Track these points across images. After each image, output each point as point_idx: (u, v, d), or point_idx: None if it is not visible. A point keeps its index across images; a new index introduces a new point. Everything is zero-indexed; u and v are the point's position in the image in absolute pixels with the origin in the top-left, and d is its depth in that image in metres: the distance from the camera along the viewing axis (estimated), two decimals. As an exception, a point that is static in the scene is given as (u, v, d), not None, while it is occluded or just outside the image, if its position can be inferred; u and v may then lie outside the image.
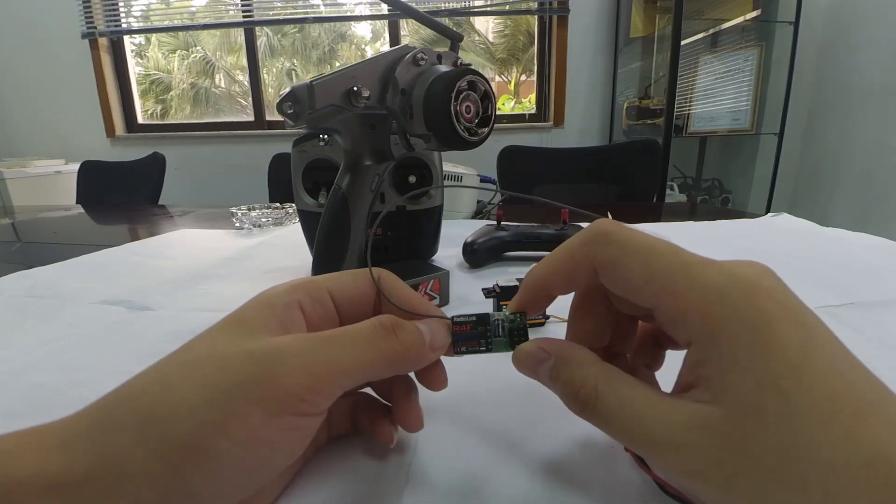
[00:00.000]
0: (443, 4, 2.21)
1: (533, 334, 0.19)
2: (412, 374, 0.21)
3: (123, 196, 1.50)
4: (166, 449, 0.13)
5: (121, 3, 2.26)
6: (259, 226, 0.73)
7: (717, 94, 1.82)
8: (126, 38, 2.35)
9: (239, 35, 2.53)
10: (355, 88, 0.28)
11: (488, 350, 0.19)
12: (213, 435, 0.13)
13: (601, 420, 0.15)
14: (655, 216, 0.88)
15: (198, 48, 3.37)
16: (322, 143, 0.45)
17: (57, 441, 0.13)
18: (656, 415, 0.14)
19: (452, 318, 0.19)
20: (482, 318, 0.19)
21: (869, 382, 0.13)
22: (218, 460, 0.13)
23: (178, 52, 3.35)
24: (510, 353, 0.19)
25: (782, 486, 0.12)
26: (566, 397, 0.17)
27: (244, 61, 2.42)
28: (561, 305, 0.20)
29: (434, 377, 0.20)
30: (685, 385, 0.15)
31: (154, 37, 2.97)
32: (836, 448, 0.12)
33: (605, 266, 0.16)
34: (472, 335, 0.19)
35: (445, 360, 0.20)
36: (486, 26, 3.43)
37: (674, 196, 1.91)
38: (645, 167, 1.23)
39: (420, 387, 0.20)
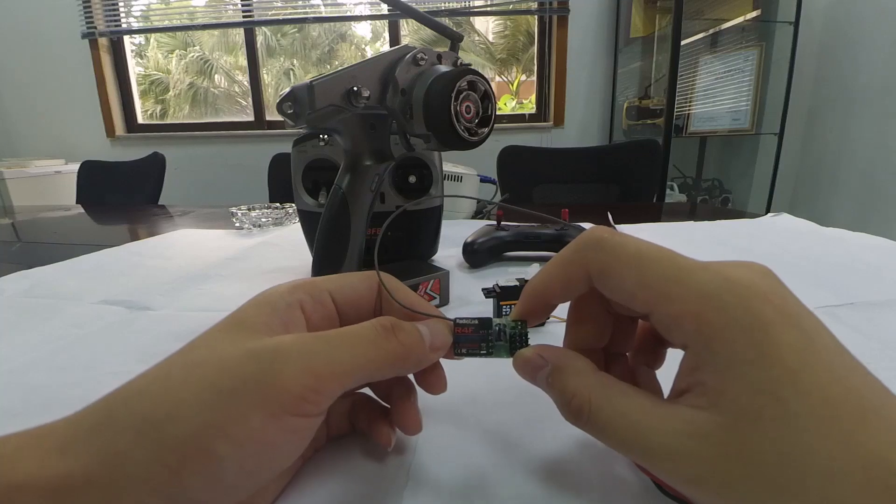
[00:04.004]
0: (443, 4, 2.21)
1: (533, 335, 0.19)
2: (412, 377, 0.21)
3: (123, 196, 1.50)
4: (166, 451, 0.13)
5: (121, 3, 2.26)
6: (259, 226, 0.73)
7: (717, 94, 1.82)
8: (126, 38, 2.35)
9: (237, 35, 2.53)
10: (355, 88, 0.28)
11: (489, 354, 0.19)
12: (213, 437, 0.13)
13: (595, 430, 0.15)
14: (655, 216, 0.88)
15: (196, 47, 3.37)
16: (322, 143, 0.45)
17: (56, 443, 0.13)
18: (652, 424, 0.14)
19: (455, 319, 0.19)
20: (484, 322, 0.19)
21: (868, 386, 0.13)
22: (218, 462, 0.13)
23: (177, 51, 3.35)
24: (509, 359, 0.19)
25: (780, 491, 0.12)
26: (560, 406, 0.17)
27: (243, 61, 2.42)
28: (562, 305, 0.20)
29: (433, 380, 0.20)
30: (681, 389, 0.15)
31: (153, 37, 2.97)
32: (834, 453, 0.12)
33: (599, 274, 0.16)
34: (474, 338, 0.19)
35: (446, 360, 0.20)
36: (486, 26, 3.43)
37: (674, 196, 1.91)
38: (645, 167, 1.23)
39: (419, 389, 0.20)
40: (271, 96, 2.49)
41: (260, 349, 0.15)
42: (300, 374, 0.15)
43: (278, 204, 0.81)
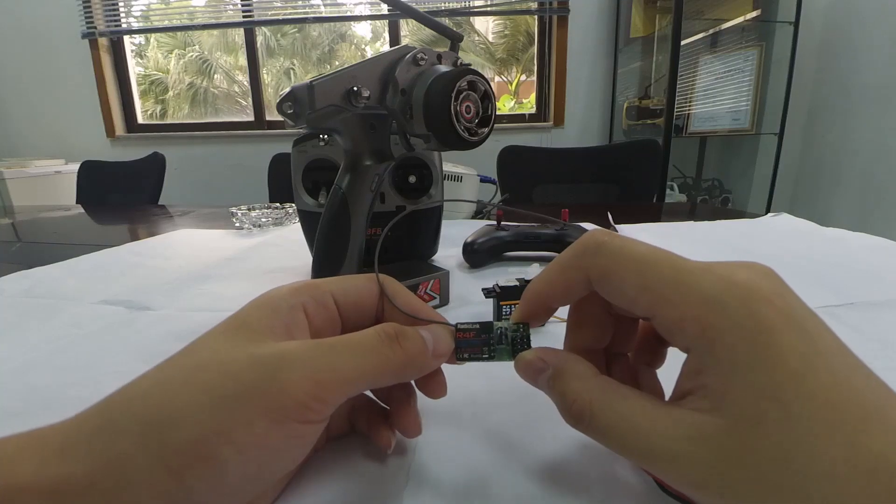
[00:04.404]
0: (443, 4, 2.21)
1: (533, 335, 0.19)
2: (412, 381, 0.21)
3: (123, 196, 1.50)
4: (169, 455, 0.13)
5: (121, 4, 2.26)
6: (259, 226, 0.73)
7: (717, 94, 1.82)
8: (126, 38, 2.35)
9: (237, 35, 2.53)
10: (355, 88, 0.28)
11: (491, 358, 0.19)
12: (217, 442, 0.13)
13: (597, 433, 0.15)
14: (655, 216, 0.88)
15: (195, 47, 3.36)
16: (322, 143, 0.45)
17: (57, 446, 0.13)
18: (654, 427, 0.14)
19: (456, 325, 0.19)
20: (486, 326, 0.19)
21: (871, 388, 0.13)
22: (221, 467, 0.13)
23: (176, 51, 3.34)
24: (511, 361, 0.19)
25: (782, 494, 0.12)
26: (561, 410, 0.17)
27: (243, 61, 2.42)
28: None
29: (434, 386, 0.20)
30: (683, 392, 0.15)
31: (153, 37, 2.97)
32: (836, 456, 0.11)
33: (599, 278, 0.16)
34: (476, 342, 0.19)
35: (446, 363, 0.20)
36: (486, 26, 3.43)
37: (674, 196, 1.91)
38: (645, 167, 1.23)
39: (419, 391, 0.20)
40: (271, 96, 2.49)
41: (264, 356, 0.15)
42: (304, 382, 0.15)
43: (278, 204, 0.81)
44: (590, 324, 0.19)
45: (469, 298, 0.40)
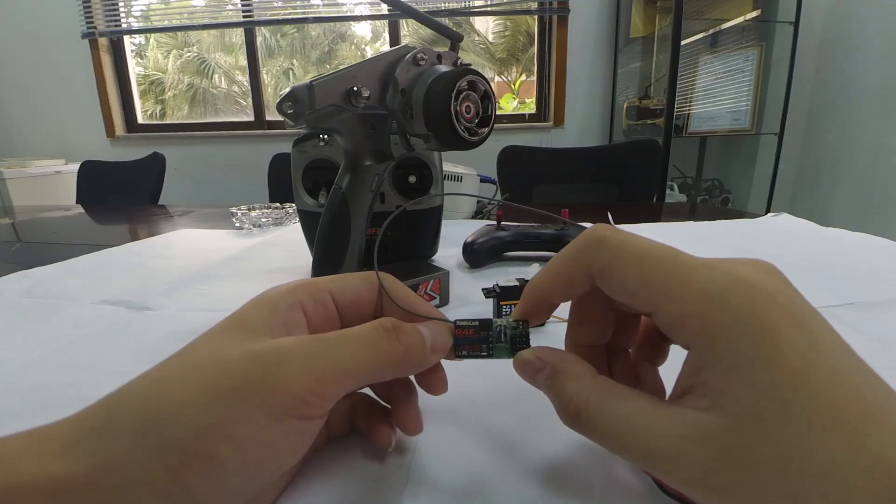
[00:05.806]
0: (443, 4, 2.21)
1: (533, 335, 0.19)
2: (412, 378, 0.21)
3: (123, 196, 1.50)
4: (167, 453, 0.13)
5: (121, 3, 2.26)
6: (259, 226, 0.73)
7: (717, 94, 1.82)
8: (126, 38, 2.35)
9: (236, 35, 2.53)
10: (355, 88, 0.28)
11: (489, 356, 0.19)
12: (215, 439, 0.13)
13: (594, 434, 0.15)
14: (655, 216, 0.88)
15: (192, 47, 3.36)
16: (322, 143, 0.45)
17: (58, 445, 0.13)
18: (652, 427, 0.14)
19: (455, 321, 0.19)
20: (485, 324, 0.19)
21: (873, 388, 0.13)
22: (220, 464, 0.13)
23: (174, 51, 3.34)
24: (510, 359, 0.19)
25: (781, 494, 0.12)
26: (558, 410, 0.17)
27: (242, 61, 2.42)
28: (563, 305, 0.20)
29: (434, 381, 0.20)
30: (683, 389, 0.15)
31: (153, 37, 2.97)
32: (836, 456, 0.11)
33: (601, 273, 0.16)
34: (475, 340, 0.19)
35: (445, 360, 0.20)
36: (486, 26, 3.43)
37: (674, 196, 1.90)
38: (645, 167, 1.23)
39: (420, 389, 0.20)
40: (271, 96, 2.49)
41: (261, 351, 0.15)
42: (302, 376, 0.15)
43: (278, 204, 0.81)
44: (591, 320, 0.19)
45: (469, 298, 0.40)
